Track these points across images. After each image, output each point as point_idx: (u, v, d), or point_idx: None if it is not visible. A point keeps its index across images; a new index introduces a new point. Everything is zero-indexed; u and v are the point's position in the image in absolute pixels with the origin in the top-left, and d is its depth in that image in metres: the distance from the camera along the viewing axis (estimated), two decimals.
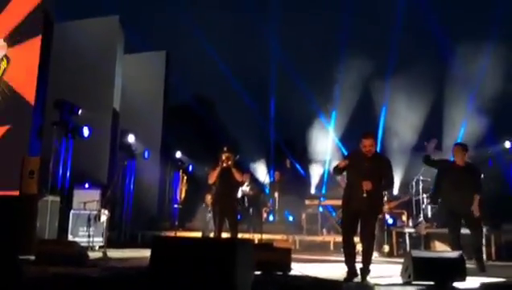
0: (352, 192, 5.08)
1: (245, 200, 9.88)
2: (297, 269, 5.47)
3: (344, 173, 5.35)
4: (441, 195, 6.76)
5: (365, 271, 4.99)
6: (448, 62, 12.32)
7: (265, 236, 8.38)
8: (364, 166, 4.99)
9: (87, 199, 8.62)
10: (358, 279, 4.97)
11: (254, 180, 10.94)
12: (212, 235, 8.03)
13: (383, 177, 5.07)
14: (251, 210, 9.74)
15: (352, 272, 4.99)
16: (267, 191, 11.49)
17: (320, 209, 10.30)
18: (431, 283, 4.66)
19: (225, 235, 6.80)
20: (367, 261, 4.99)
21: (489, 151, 10.55)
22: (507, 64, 10.67)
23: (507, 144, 10.04)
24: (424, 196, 9.48)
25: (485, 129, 10.81)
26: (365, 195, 4.85)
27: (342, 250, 5.18)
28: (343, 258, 5.12)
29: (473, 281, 4.99)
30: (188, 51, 15.90)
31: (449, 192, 6.37)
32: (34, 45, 9.16)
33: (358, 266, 5.05)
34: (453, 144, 6.79)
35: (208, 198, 9.12)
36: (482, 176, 7.01)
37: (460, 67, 11.97)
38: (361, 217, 5.01)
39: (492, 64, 11.04)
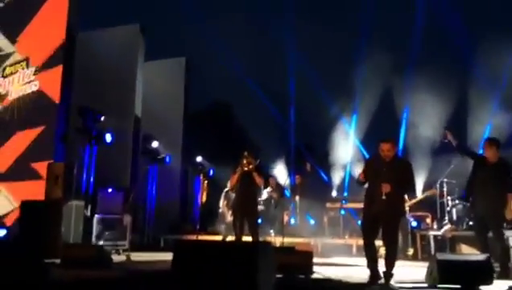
0: (372, 195, 5.06)
1: (272, 202, 9.89)
2: (319, 272, 5.43)
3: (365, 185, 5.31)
4: (472, 193, 6.36)
5: (389, 274, 4.92)
6: (472, 60, 12.08)
7: (286, 239, 8.34)
8: (383, 170, 4.97)
9: (110, 203, 8.74)
10: (381, 282, 4.90)
11: (276, 184, 10.89)
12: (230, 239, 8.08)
13: (403, 180, 5.01)
14: (273, 213, 9.73)
15: (374, 276, 4.93)
16: (288, 194, 11.45)
17: (342, 212, 10.21)
18: (457, 286, 4.57)
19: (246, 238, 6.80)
20: (390, 265, 4.92)
21: None
22: None
23: None
24: (449, 198, 9.30)
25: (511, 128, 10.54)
26: (384, 197, 4.82)
27: (364, 253, 5.12)
28: (365, 262, 5.06)
29: (501, 285, 4.86)
30: (208, 57, 16.03)
31: (477, 190, 6.13)
32: (57, 56, 9.44)
33: (382, 269, 4.98)
34: (484, 139, 6.51)
35: (224, 204, 9.18)
36: None
37: (484, 65, 11.73)
38: (382, 221, 4.96)
39: None
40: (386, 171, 4.93)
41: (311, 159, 12.94)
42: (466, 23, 12.99)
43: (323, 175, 13.14)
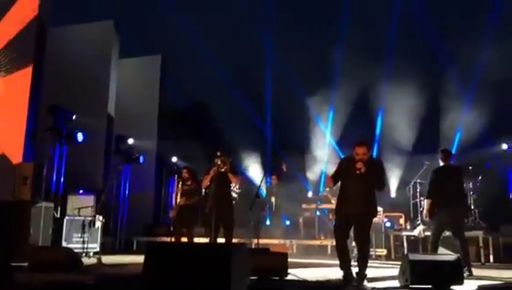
0: (345, 196, 5.07)
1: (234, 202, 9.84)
2: (294, 273, 5.41)
3: (333, 187, 5.40)
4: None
5: (362, 275, 4.94)
6: (444, 64, 12.34)
7: (262, 241, 8.31)
8: (356, 170, 4.91)
9: (81, 205, 8.53)
10: (355, 283, 4.91)
11: (251, 185, 10.85)
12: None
13: (376, 179, 5.02)
14: (247, 215, 9.67)
15: (348, 276, 4.96)
16: (264, 195, 11.42)
17: (318, 213, 10.25)
18: (429, 286, 4.61)
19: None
20: (363, 265, 4.95)
21: (487, 154, 10.54)
22: (503, 67, 10.67)
23: (504, 146, 10.01)
24: (422, 198, 9.44)
25: (482, 131, 10.80)
26: (358, 172, 4.84)
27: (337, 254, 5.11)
28: (339, 263, 5.06)
29: (471, 284, 4.94)
30: (184, 55, 15.87)
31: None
32: (27, 52, 9.15)
33: (355, 270, 4.99)
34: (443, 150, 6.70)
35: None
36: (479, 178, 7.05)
37: (456, 69, 12.00)
38: (355, 222, 4.98)
39: (488, 65, 11.06)
40: (359, 173, 4.89)
41: (288, 160, 12.94)
42: (440, 27, 13.27)
43: (299, 175, 13.17)
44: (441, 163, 6.46)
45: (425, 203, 6.57)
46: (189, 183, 7.71)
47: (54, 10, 10.09)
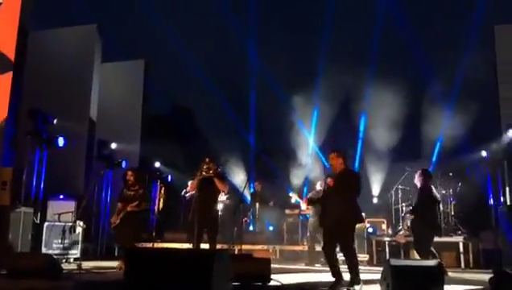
0: (325, 207, 5.42)
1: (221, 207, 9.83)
2: (277, 279, 5.41)
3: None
4: None
5: (354, 280, 5.15)
6: (426, 72, 12.54)
7: (245, 246, 8.28)
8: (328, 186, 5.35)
9: (62, 210, 8.38)
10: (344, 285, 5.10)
11: (234, 190, 10.81)
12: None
13: (350, 188, 5.26)
14: (230, 220, 9.63)
15: (336, 279, 5.16)
16: (247, 201, 11.40)
17: (301, 219, 10.26)
18: None
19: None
20: (353, 270, 5.19)
21: (466, 161, 10.72)
22: (484, 74, 10.89)
23: (483, 153, 10.20)
24: (404, 204, 9.55)
25: (463, 138, 10.99)
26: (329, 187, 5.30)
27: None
28: (323, 268, 5.33)
29: (452, 289, 5.01)
30: (167, 60, 15.82)
31: None
32: (8, 55, 9.00)
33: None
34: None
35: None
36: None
37: (437, 77, 12.21)
38: (335, 231, 5.23)
39: (469, 73, 11.28)
40: (335, 183, 5.24)
41: (272, 165, 12.96)
42: (423, 34, 13.51)
43: (282, 180, 13.20)
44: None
45: None
46: (136, 188, 7.19)
47: (36, 13, 9.98)
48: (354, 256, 5.29)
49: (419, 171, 6.98)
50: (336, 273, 5.16)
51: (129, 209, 7.06)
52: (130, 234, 7.08)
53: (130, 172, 7.33)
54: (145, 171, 10.64)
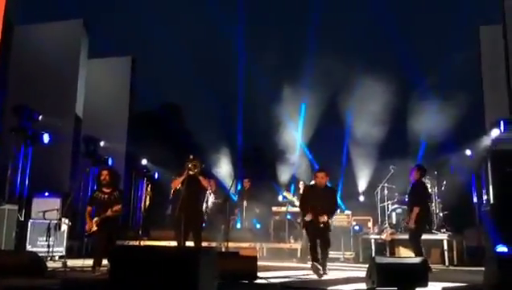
0: (312, 214, 6.55)
1: (210, 204, 9.84)
2: (263, 277, 5.43)
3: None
4: None
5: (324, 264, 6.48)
6: (412, 70, 12.66)
7: (232, 244, 8.28)
8: (319, 195, 6.66)
9: (47, 207, 8.28)
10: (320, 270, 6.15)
11: (221, 188, 10.80)
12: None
13: (331, 202, 6.72)
14: (217, 218, 9.63)
15: (315, 263, 6.34)
16: (234, 198, 11.39)
17: (288, 217, 10.29)
18: (395, 288, 4.70)
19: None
20: (325, 264, 6.46)
21: (451, 159, 10.85)
22: (467, 74, 11.03)
23: (467, 152, 10.32)
24: (389, 202, 9.63)
25: (447, 136, 11.12)
26: (322, 225, 6.48)
27: (309, 251, 6.66)
28: (309, 265, 6.33)
29: (436, 286, 5.07)
30: (155, 57, 15.73)
31: None
32: None
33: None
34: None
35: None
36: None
37: (423, 76, 12.34)
38: (319, 233, 6.52)
39: (454, 72, 11.42)
40: (320, 196, 6.62)
41: (259, 162, 12.98)
42: (409, 34, 13.63)
43: (269, 178, 13.23)
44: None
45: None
46: (109, 190, 6.62)
47: (21, 7, 9.84)
48: (328, 252, 6.72)
49: (415, 167, 7.35)
50: (317, 259, 6.39)
51: (109, 213, 6.50)
52: (111, 239, 6.57)
53: (105, 172, 6.83)
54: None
